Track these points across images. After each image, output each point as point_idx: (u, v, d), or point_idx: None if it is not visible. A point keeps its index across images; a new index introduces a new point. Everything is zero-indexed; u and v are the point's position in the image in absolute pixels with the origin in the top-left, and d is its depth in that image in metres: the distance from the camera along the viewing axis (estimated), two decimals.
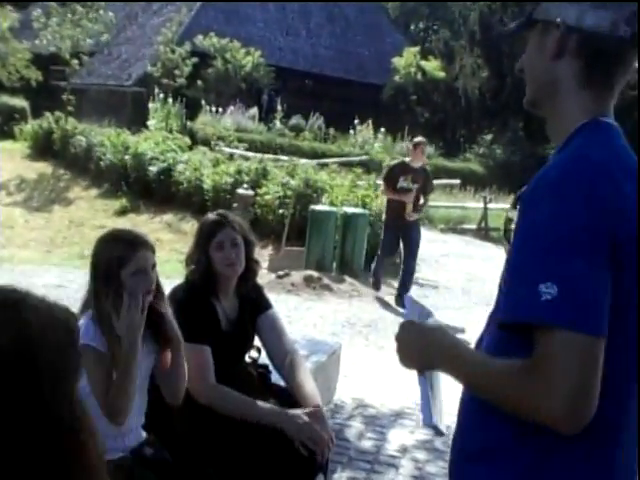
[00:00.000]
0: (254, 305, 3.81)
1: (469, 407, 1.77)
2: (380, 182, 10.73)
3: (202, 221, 3.78)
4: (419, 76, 32.40)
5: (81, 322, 2.83)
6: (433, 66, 32.93)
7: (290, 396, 3.61)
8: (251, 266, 3.76)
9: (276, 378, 3.86)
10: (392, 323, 9.25)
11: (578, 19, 1.69)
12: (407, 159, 10.39)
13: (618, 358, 1.54)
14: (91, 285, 3.02)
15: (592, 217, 1.52)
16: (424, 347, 1.79)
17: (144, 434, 3.20)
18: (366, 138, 25.99)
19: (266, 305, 3.86)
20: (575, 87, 1.73)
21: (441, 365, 1.76)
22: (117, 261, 2.97)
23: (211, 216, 3.75)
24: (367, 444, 5.38)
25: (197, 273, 3.63)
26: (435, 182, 21.36)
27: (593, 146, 1.64)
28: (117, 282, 2.96)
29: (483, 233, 17.59)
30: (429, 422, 1.79)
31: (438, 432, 1.83)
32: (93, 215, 17.27)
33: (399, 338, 1.85)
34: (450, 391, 2.05)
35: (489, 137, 31.03)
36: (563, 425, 1.51)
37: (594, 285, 1.51)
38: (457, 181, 21.95)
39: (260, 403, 3.47)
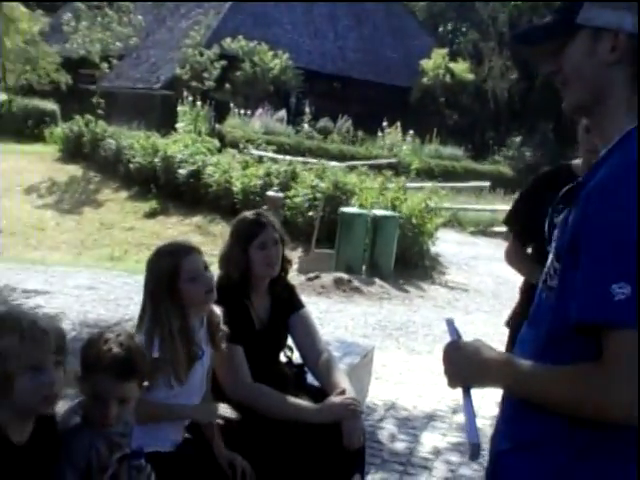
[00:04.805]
0: (286, 305, 3.79)
1: (515, 401, 1.79)
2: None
3: (239, 221, 3.72)
4: (447, 78, 32.27)
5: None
6: (461, 68, 32.82)
7: (325, 396, 3.57)
8: (284, 265, 3.75)
9: (312, 379, 3.84)
10: (422, 326, 9.22)
11: (635, 26, 1.69)
12: (575, 161, 3.92)
13: None
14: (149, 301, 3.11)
15: None
16: (474, 364, 1.82)
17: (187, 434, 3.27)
18: (394, 140, 25.90)
19: (298, 305, 3.85)
20: (627, 92, 1.74)
21: (495, 379, 1.80)
22: (171, 273, 3.05)
23: (249, 216, 3.70)
24: (400, 446, 5.36)
25: (237, 273, 3.60)
26: (464, 184, 21.37)
27: None
28: (176, 292, 3.05)
29: None
30: (476, 441, 1.77)
31: (476, 453, 1.78)
32: (123, 217, 17.35)
33: (446, 359, 1.89)
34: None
35: (518, 139, 30.82)
36: (629, 419, 1.56)
37: None
38: (487, 183, 21.87)
39: (295, 400, 3.47)
